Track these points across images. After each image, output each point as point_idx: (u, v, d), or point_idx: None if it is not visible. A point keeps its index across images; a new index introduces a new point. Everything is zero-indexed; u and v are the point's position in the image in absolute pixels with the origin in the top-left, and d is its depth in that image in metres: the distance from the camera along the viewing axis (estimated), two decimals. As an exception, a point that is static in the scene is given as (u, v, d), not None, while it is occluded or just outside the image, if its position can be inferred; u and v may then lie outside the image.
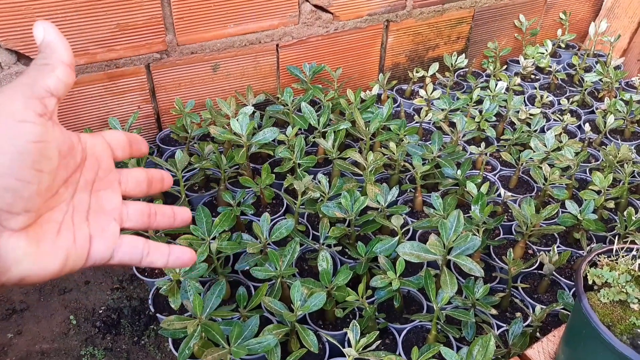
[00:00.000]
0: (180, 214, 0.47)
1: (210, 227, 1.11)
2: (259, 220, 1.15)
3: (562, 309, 1.13)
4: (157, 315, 1.10)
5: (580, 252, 1.31)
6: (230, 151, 1.33)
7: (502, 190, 1.40)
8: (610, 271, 0.72)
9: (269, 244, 1.14)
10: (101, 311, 1.27)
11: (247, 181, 1.29)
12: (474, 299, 1.08)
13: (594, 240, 1.34)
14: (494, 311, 1.06)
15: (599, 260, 0.77)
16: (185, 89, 1.53)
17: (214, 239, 1.09)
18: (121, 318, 1.25)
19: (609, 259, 0.77)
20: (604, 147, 1.69)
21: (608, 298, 0.70)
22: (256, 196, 1.33)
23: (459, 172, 1.36)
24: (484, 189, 1.28)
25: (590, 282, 0.74)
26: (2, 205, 0.32)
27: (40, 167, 0.33)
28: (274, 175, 1.30)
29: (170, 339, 1.05)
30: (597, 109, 1.85)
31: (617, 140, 1.73)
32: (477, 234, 1.18)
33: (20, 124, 0.32)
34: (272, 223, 1.25)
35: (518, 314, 1.17)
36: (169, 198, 1.35)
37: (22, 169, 0.32)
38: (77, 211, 0.38)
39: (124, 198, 0.43)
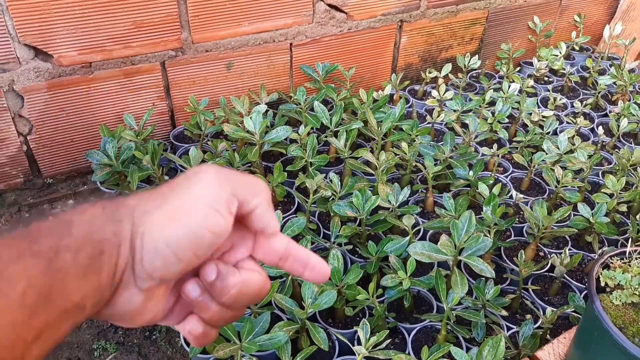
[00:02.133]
0: (317, 266, 0.41)
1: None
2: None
3: (572, 311, 1.13)
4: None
5: (592, 255, 1.30)
6: (243, 149, 1.34)
7: (513, 192, 1.40)
8: (623, 273, 0.72)
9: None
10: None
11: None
12: (485, 299, 1.08)
13: (606, 244, 1.34)
14: (504, 312, 1.06)
15: (612, 263, 0.77)
16: (200, 87, 1.54)
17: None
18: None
19: (622, 261, 0.77)
20: (617, 150, 1.68)
21: (620, 300, 0.70)
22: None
23: (470, 173, 1.36)
24: (496, 190, 1.28)
25: (602, 284, 0.74)
26: (148, 267, 0.34)
27: (200, 254, 0.35)
28: (286, 173, 1.31)
29: (181, 334, 1.06)
30: (610, 112, 1.84)
31: (631, 143, 1.72)
32: (489, 235, 1.18)
33: (213, 212, 0.34)
34: (284, 221, 1.25)
35: (528, 316, 1.17)
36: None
37: (186, 249, 0.34)
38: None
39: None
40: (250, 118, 1.33)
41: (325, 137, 1.46)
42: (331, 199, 1.27)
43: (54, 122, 1.39)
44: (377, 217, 1.21)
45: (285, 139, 1.40)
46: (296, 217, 1.24)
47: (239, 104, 1.46)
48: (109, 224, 0.33)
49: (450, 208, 1.23)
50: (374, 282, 1.06)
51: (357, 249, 1.21)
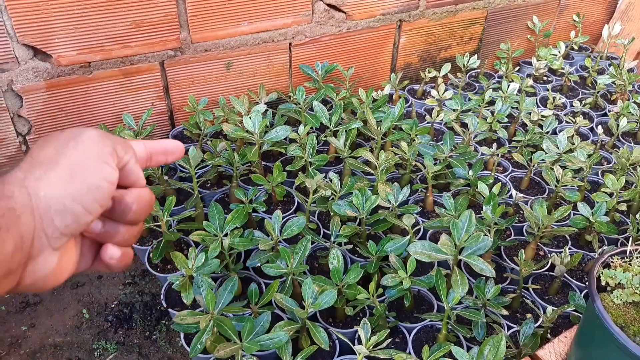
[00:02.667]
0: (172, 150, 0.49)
1: (223, 223, 1.12)
2: (270, 218, 1.16)
3: (573, 310, 1.13)
4: (170, 310, 1.11)
5: (592, 254, 1.30)
6: (243, 149, 1.34)
7: (513, 191, 1.40)
8: (623, 272, 0.72)
9: (280, 241, 1.14)
10: (113, 306, 1.28)
11: (259, 179, 1.30)
12: (485, 299, 1.08)
13: (606, 243, 1.34)
14: (504, 312, 1.06)
15: (612, 262, 0.77)
16: (199, 87, 1.54)
17: (226, 235, 1.10)
18: (133, 313, 1.27)
19: (623, 260, 0.77)
20: (616, 149, 1.68)
21: (621, 299, 0.70)
22: (268, 194, 1.33)
23: (470, 172, 1.36)
24: (496, 189, 1.28)
25: (603, 283, 0.74)
26: (60, 226, 0.36)
27: (103, 203, 0.39)
28: (285, 173, 1.31)
29: (182, 334, 1.05)
30: (609, 111, 1.84)
31: (630, 143, 1.72)
32: (489, 235, 1.18)
33: (104, 165, 0.39)
34: (284, 220, 1.25)
35: (529, 315, 1.17)
36: (181, 195, 1.36)
37: (92, 200, 0.37)
38: None
39: None
40: (250, 118, 1.32)
41: (325, 136, 1.46)
42: (331, 198, 1.27)
43: (53, 122, 1.39)
44: (377, 217, 1.21)
45: (285, 139, 1.40)
46: (296, 216, 1.24)
47: (238, 104, 1.46)
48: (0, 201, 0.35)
49: (450, 207, 1.23)
50: (374, 282, 1.05)
51: (357, 249, 1.21)
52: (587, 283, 1.24)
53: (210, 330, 0.92)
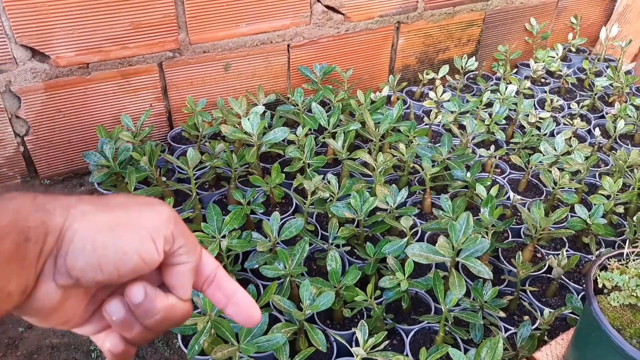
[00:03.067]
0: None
1: (221, 225, 1.12)
2: (268, 219, 1.16)
3: (570, 312, 1.13)
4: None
5: (589, 256, 1.31)
6: (241, 150, 1.34)
7: (511, 193, 1.40)
8: (620, 275, 0.72)
9: (278, 242, 1.15)
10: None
11: (257, 180, 1.30)
12: (482, 301, 1.08)
13: (603, 245, 1.34)
14: (502, 314, 1.06)
15: (609, 264, 0.77)
16: (197, 88, 1.54)
17: (224, 236, 1.10)
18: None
19: (620, 262, 0.77)
20: (614, 152, 1.69)
21: (618, 302, 0.70)
22: (266, 195, 1.34)
23: (468, 174, 1.36)
24: (494, 191, 1.28)
25: (600, 286, 0.74)
26: (70, 265, 0.34)
27: (122, 273, 0.35)
28: (284, 174, 1.31)
29: (179, 336, 1.05)
30: (607, 113, 1.84)
31: (627, 145, 1.72)
32: (486, 237, 1.18)
33: (149, 239, 0.35)
34: (282, 222, 1.25)
35: (526, 317, 1.17)
36: (179, 196, 1.36)
37: (110, 262, 0.34)
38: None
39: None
40: (248, 119, 1.32)
41: (323, 138, 1.46)
42: (329, 200, 1.27)
43: (51, 123, 1.38)
44: (375, 219, 1.21)
45: (283, 140, 1.40)
46: (294, 218, 1.24)
47: (236, 105, 1.46)
48: (38, 212, 0.33)
49: (448, 209, 1.23)
50: (372, 284, 1.06)
51: (355, 250, 1.21)
52: (584, 285, 1.24)
53: (207, 332, 0.92)
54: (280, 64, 1.64)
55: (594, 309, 0.69)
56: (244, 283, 1.17)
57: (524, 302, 1.17)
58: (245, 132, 1.33)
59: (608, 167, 1.60)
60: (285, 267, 1.08)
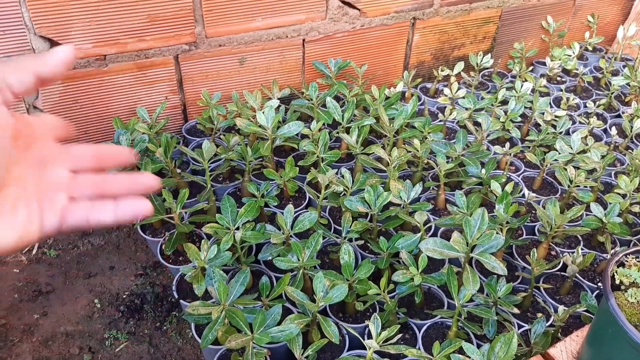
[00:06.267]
0: (142, 181, 0.45)
1: (235, 216, 1.13)
2: (282, 212, 1.16)
3: (584, 310, 1.12)
4: (181, 301, 1.12)
5: (604, 255, 1.29)
6: (255, 143, 1.34)
7: (525, 191, 1.39)
8: (638, 271, 0.72)
9: (291, 235, 1.15)
10: (125, 296, 1.29)
11: (271, 173, 1.30)
12: (496, 297, 1.07)
13: (618, 244, 1.33)
14: (515, 310, 1.06)
15: (627, 261, 0.77)
16: (212, 81, 1.55)
17: (238, 228, 1.11)
18: (144, 304, 1.28)
19: (637, 259, 0.76)
20: (630, 151, 1.67)
21: (636, 298, 0.69)
22: (279, 188, 1.34)
23: (483, 171, 1.36)
24: (509, 188, 1.27)
25: (617, 282, 0.74)
26: None
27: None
28: (297, 168, 1.31)
29: (193, 325, 1.06)
30: (623, 112, 1.83)
31: (644, 144, 1.70)
32: (501, 233, 1.17)
33: None
34: (295, 215, 1.26)
35: (540, 314, 1.16)
36: (194, 187, 1.37)
37: None
38: (28, 187, 0.41)
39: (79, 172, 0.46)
40: (263, 113, 1.33)
41: (337, 132, 1.46)
42: (342, 194, 1.27)
43: (67, 114, 1.40)
44: (388, 213, 1.21)
45: (297, 134, 1.40)
46: (307, 211, 1.24)
47: (251, 99, 1.46)
48: None
49: (463, 205, 1.23)
50: (385, 278, 1.06)
51: (368, 244, 1.21)
52: (600, 282, 1.23)
53: (222, 321, 0.93)
54: (295, 59, 1.64)
55: (611, 305, 0.69)
56: (257, 275, 1.17)
57: (538, 299, 1.17)
58: (260, 126, 1.33)
59: (624, 167, 1.59)
60: (299, 260, 1.08)
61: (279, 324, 0.96)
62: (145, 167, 1.21)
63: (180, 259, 1.22)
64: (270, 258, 1.14)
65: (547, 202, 1.22)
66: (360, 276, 1.07)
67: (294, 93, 1.63)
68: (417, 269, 1.08)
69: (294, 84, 1.68)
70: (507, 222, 1.19)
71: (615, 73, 2.05)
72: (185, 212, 1.24)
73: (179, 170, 1.35)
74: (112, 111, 1.44)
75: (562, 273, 1.24)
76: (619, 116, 1.84)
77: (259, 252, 1.19)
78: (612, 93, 1.87)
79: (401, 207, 1.25)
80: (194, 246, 1.05)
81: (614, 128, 1.67)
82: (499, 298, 1.07)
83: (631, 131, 1.65)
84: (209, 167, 1.29)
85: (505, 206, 1.19)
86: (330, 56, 1.66)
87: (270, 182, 1.32)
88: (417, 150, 1.39)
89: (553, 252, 1.30)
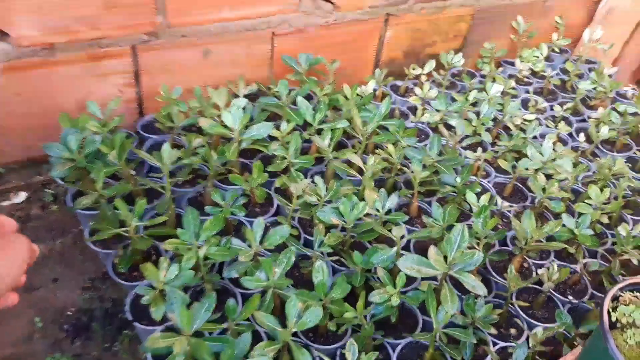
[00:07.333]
0: None
1: (199, 230, 1.04)
2: (249, 224, 1.08)
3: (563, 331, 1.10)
4: (135, 324, 1.02)
5: (574, 266, 1.29)
6: (221, 146, 1.24)
7: (499, 200, 1.37)
8: (636, 308, 0.68)
9: (261, 252, 1.07)
10: (70, 313, 1.18)
11: (237, 179, 1.21)
12: (475, 317, 1.04)
13: (587, 255, 1.33)
14: (493, 331, 1.03)
15: (622, 295, 0.73)
16: (173, 75, 1.43)
17: (201, 244, 1.01)
18: (92, 321, 1.16)
19: (633, 294, 0.73)
20: (597, 158, 1.68)
21: (635, 340, 0.66)
22: (245, 194, 1.25)
23: (458, 179, 1.31)
24: (485, 199, 1.24)
25: (613, 320, 0.70)
26: None
27: None
28: (267, 174, 1.23)
29: (149, 355, 0.97)
30: (588, 117, 1.84)
31: (609, 151, 1.72)
32: (478, 247, 1.14)
33: None
34: (265, 228, 1.16)
35: (513, 330, 1.14)
36: (151, 195, 1.26)
37: None
38: None
39: None
40: (230, 112, 1.23)
41: (309, 134, 1.38)
42: (315, 204, 1.19)
43: (8, 108, 1.25)
44: (364, 227, 1.14)
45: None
46: (277, 221, 1.17)
47: (216, 96, 1.35)
48: None
49: (439, 217, 1.18)
50: (362, 299, 1.00)
51: (341, 257, 1.15)
52: (571, 295, 1.22)
53: (185, 354, 0.84)
54: (263, 53, 1.54)
55: (610, 348, 0.65)
56: (222, 292, 1.09)
57: (512, 313, 1.14)
58: (226, 126, 1.23)
59: (591, 173, 1.59)
60: (269, 279, 1.00)
61: (251, 349, 0.89)
62: (98, 173, 1.09)
63: (135, 274, 1.12)
64: (236, 276, 1.05)
65: (524, 215, 1.19)
66: (335, 296, 1.01)
67: (261, 89, 1.53)
68: (395, 287, 1.02)
69: (261, 79, 1.58)
70: (485, 237, 1.15)
71: (580, 76, 2.06)
72: (142, 224, 1.12)
73: (133, 172, 1.23)
74: (59, 105, 1.30)
75: (535, 286, 1.22)
76: (584, 120, 1.84)
77: (223, 265, 1.10)
78: (579, 97, 1.87)
79: (376, 218, 1.19)
80: (152, 266, 0.96)
81: (582, 135, 1.66)
82: (478, 318, 1.04)
83: (597, 137, 1.65)
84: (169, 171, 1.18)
85: (484, 220, 1.15)
86: (301, 51, 1.57)
87: (237, 188, 1.23)
88: (391, 156, 1.34)
89: (525, 264, 1.28)
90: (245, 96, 1.46)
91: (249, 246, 1.07)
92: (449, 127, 1.63)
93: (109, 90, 1.36)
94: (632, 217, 1.46)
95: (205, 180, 1.26)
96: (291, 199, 1.17)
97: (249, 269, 1.05)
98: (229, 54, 1.48)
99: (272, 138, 1.35)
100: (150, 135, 1.43)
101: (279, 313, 1.05)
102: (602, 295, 1.24)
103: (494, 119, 1.66)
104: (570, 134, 1.76)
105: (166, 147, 1.14)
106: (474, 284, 0.98)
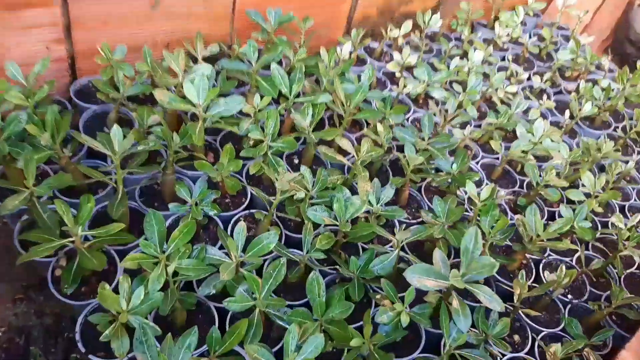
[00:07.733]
0: None
1: (164, 237, 0.83)
2: (220, 223, 0.88)
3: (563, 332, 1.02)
4: (90, 357, 0.81)
5: (567, 259, 1.22)
6: (184, 127, 1.01)
7: (501, 190, 1.26)
8: None
9: (242, 262, 0.88)
10: (0, 334, 0.94)
11: (204, 166, 1.00)
12: (488, 333, 0.93)
13: (579, 244, 1.26)
14: (509, 349, 0.93)
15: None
16: (114, 29, 1.15)
17: (169, 256, 0.81)
18: (30, 343, 0.94)
19: None
20: (580, 136, 1.60)
21: None
22: (212, 182, 1.05)
23: (454, 166, 1.17)
24: (486, 192, 1.10)
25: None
26: None
27: None
28: (240, 161, 1.02)
29: None
30: (565, 89, 1.75)
31: (588, 127, 1.65)
32: (484, 249, 1.02)
33: None
34: (246, 238, 0.95)
35: (516, 337, 1.05)
36: (100, 187, 1.01)
37: None
38: None
39: None
40: (192, 83, 0.99)
41: (285, 108, 1.17)
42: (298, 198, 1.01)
43: None
44: (362, 231, 0.98)
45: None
46: (255, 219, 0.98)
47: (172, 59, 1.09)
48: None
49: (441, 214, 1.04)
50: (368, 322, 0.85)
51: (336, 263, 0.98)
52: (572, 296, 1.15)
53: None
54: (223, 5, 1.29)
55: None
56: (195, 312, 0.89)
57: (517, 321, 1.05)
58: (188, 101, 1.00)
59: (578, 154, 1.50)
60: (255, 298, 0.83)
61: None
62: (27, 165, 0.84)
63: (83, 289, 0.89)
64: (213, 292, 0.87)
65: (527, 211, 1.08)
66: (334, 316, 0.85)
67: (223, 50, 1.29)
68: (403, 304, 0.88)
69: (220, 37, 1.33)
70: (493, 238, 1.03)
71: (555, 43, 1.96)
72: (89, 232, 0.87)
73: (70, 155, 0.97)
74: (-35, 66, 1.00)
75: (534, 285, 1.13)
76: (561, 92, 1.76)
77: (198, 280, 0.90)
78: (557, 68, 1.77)
79: (370, 212, 1.03)
80: (111, 292, 0.74)
81: (567, 111, 1.57)
82: (491, 335, 0.93)
83: (578, 113, 1.56)
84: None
85: (491, 219, 1.02)
86: (266, 5, 1.32)
87: (203, 176, 1.02)
88: (379, 136, 1.17)
89: (524, 261, 1.18)
90: (205, 59, 1.21)
91: (227, 255, 0.88)
92: (430, 98, 1.48)
93: (33, 47, 1.07)
94: (618, 202, 1.41)
95: (162, 165, 1.03)
96: (268, 187, 0.97)
97: (228, 284, 0.86)
98: (183, 3, 1.21)
99: (242, 113, 1.12)
100: (87, 105, 1.16)
101: (267, 337, 0.88)
102: (601, 293, 1.20)
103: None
104: (549, 108, 1.66)
105: (116, 131, 0.89)
106: (490, 298, 0.86)
